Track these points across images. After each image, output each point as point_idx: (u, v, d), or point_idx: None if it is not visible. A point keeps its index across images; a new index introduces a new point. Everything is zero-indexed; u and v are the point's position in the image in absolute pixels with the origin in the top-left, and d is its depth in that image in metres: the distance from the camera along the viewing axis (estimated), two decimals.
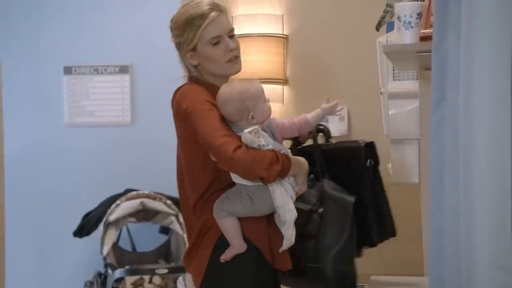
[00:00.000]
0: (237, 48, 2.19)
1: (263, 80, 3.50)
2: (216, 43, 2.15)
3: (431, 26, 2.02)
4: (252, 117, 2.08)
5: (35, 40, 4.51)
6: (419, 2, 2.10)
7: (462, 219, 1.53)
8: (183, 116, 2.10)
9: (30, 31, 4.42)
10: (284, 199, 2.09)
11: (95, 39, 4.82)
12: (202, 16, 2.14)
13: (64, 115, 4.53)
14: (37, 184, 4.30)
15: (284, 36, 3.55)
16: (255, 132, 2.05)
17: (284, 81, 3.55)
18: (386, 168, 2.90)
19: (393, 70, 2.74)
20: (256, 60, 3.48)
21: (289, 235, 2.11)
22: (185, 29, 2.16)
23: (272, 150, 2.05)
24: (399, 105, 2.74)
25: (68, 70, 4.51)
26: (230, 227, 2.12)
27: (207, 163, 2.12)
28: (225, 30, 2.16)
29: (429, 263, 1.64)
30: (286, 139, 2.23)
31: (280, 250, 2.12)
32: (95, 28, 4.67)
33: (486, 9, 1.48)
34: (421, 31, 2.05)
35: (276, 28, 3.54)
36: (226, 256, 2.11)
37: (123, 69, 4.60)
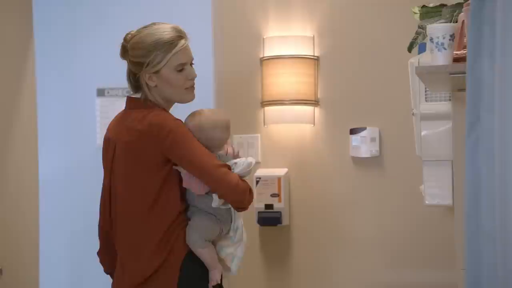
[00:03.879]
0: (195, 78, 2.28)
1: (294, 101, 3.50)
2: (180, 70, 2.22)
3: (464, 47, 2.01)
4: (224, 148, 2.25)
5: (69, 63, 4.58)
6: (452, 24, 2.09)
7: (498, 243, 1.51)
8: (163, 144, 2.14)
9: (64, 53, 4.50)
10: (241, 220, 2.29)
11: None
12: (172, 42, 2.21)
13: (97, 137, 4.58)
14: (70, 205, 4.34)
15: (315, 57, 3.55)
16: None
17: (315, 103, 3.55)
18: (419, 190, 2.87)
19: (425, 91, 2.73)
20: (287, 82, 3.49)
21: (241, 255, 2.30)
22: (152, 51, 2.21)
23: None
24: (431, 126, 2.72)
25: (101, 92, 4.57)
26: (211, 253, 2.24)
27: (181, 191, 2.20)
28: (190, 58, 2.26)
29: None
30: None
31: (233, 268, 2.31)
32: None
33: None
34: (454, 52, 2.03)
35: (307, 50, 3.55)
36: (216, 279, 2.23)
37: None
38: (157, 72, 2.22)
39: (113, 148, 2.29)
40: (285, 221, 3.51)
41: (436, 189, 2.69)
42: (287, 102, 3.51)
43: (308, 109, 3.56)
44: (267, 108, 3.58)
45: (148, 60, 2.21)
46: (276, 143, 3.60)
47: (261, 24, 3.61)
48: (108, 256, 2.52)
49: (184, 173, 2.20)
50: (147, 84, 2.23)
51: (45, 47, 4.01)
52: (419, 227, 3.39)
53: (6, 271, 2.87)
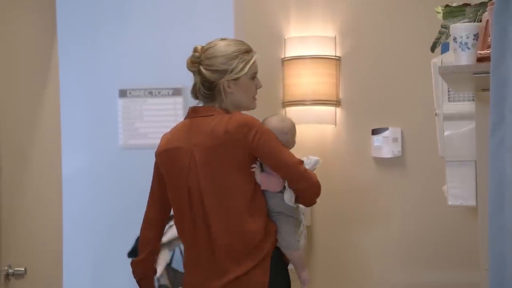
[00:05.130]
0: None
1: (316, 102, 3.50)
2: (253, 79, 2.44)
3: (488, 47, 1.99)
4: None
5: (92, 64, 4.61)
6: (476, 23, 2.07)
7: None
8: (252, 143, 2.33)
9: (86, 54, 4.53)
10: None
11: (149, 62, 4.89)
12: (249, 53, 2.44)
13: (119, 137, 4.61)
14: (93, 205, 4.37)
15: (336, 57, 3.55)
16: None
17: (337, 103, 3.54)
18: (442, 190, 2.85)
19: (448, 91, 2.71)
20: (308, 82, 3.49)
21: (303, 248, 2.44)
22: (235, 59, 2.40)
23: None
24: (454, 127, 2.70)
25: (123, 93, 4.59)
26: (303, 254, 2.40)
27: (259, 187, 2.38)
28: (257, 70, 2.48)
29: None
30: None
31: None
32: (149, 51, 4.75)
33: None
34: (478, 52, 2.02)
35: (328, 50, 3.54)
36: (309, 279, 2.43)
37: (177, 92, 4.65)
38: (237, 79, 2.40)
39: (189, 156, 2.41)
40: (306, 221, 3.51)
41: (459, 190, 2.67)
42: (308, 103, 3.50)
43: (329, 109, 3.55)
44: (288, 109, 3.57)
45: (232, 67, 2.39)
46: (297, 144, 3.59)
47: (282, 24, 3.61)
48: (148, 262, 2.64)
49: (261, 175, 2.39)
50: (225, 91, 2.39)
51: (68, 48, 4.05)
52: (442, 228, 3.37)
53: (30, 271, 2.90)
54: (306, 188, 2.41)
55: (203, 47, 2.45)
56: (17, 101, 3.03)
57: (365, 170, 3.51)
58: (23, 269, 2.82)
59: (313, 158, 2.47)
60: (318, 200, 3.65)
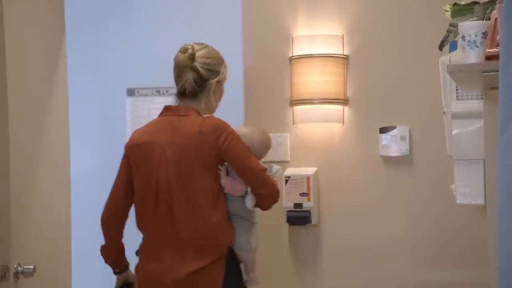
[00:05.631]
0: None
1: (323, 100, 3.50)
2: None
3: (497, 45, 1.99)
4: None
5: (100, 63, 4.62)
6: (484, 21, 2.06)
7: None
8: (222, 146, 2.50)
9: (95, 54, 4.54)
10: None
11: (157, 61, 4.90)
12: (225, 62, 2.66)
13: (127, 136, 4.60)
14: (101, 204, 4.36)
15: (344, 56, 3.54)
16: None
17: (345, 102, 3.54)
18: (450, 189, 2.85)
19: (456, 89, 2.70)
20: (316, 81, 3.49)
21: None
22: (223, 63, 2.63)
23: None
24: (462, 125, 2.70)
25: (131, 92, 4.60)
26: (254, 257, 2.58)
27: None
28: None
29: None
30: None
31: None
32: (157, 50, 4.75)
33: None
34: (487, 50, 2.01)
35: (336, 49, 3.54)
36: (257, 281, 2.61)
37: None
38: (220, 82, 2.63)
39: (161, 151, 2.59)
40: (314, 220, 3.51)
41: (468, 188, 2.67)
42: (316, 101, 3.50)
43: (337, 108, 3.55)
44: (296, 107, 3.57)
45: (221, 70, 2.62)
46: (305, 142, 3.60)
47: (290, 23, 3.61)
48: (115, 250, 2.86)
49: (226, 178, 2.55)
50: (214, 90, 2.61)
51: (76, 48, 4.06)
52: (450, 227, 3.36)
53: (39, 269, 2.91)
54: (268, 194, 2.58)
55: (193, 46, 2.65)
56: (25, 101, 3.04)
57: (372, 168, 3.50)
58: (32, 267, 2.84)
59: (275, 166, 2.63)
60: (325, 198, 3.66)
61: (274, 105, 3.63)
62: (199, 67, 2.60)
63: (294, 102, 3.56)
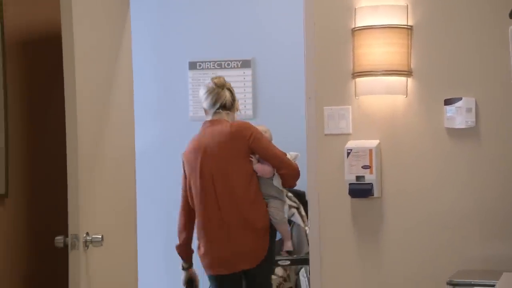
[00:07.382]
0: None
1: (386, 72, 3.45)
2: None
3: None
4: None
5: (162, 37, 4.66)
6: None
7: None
8: (249, 139, 3.73)
9: (157, 29, 4.59)
10: None
11: (218, 35, 4.92)
12: None
13: (189, 109, 4.67)
14: (165, 175, 4.45)
15: (408, 27, 3.48)
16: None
17: (408, 73, 3.48)
18: None
19: None
20: (379, 52, 3.43)
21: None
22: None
23: None
24: None
25: (192, 65, 4.64)
26: (288, 228, 3.81)
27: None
28: None
29: None
30: None
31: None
32: (218, 23, 4.77)
33: None
34: None
35: (400, 19, 3.47)
36: (290, 247, 3.90)
37: (246, 64, 4.68)
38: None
39: (203, 151, 3.78)
40: (376, 193, 3.49)
41: None
42: (379, 73, 3.45)
43: (400, 79, 3.49)
44: (358, 80, 3.53)
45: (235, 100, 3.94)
46: (367, 115, 3.56)
47: None
48: (190, 249, 4.00)
49: (257, 165, 3.73)
50: (237, 108, 3.89)
51: (139, 23, 4.12)
52: None
53: (107, 239, 3.00)
54: (289, 173, 3.77)
55: (218, 76, 3.87)
56: (92, 76, 3.11)
57: (437, 140, 3.45)
58: (100, 236, 2.93)
59: (293, 153, 3.85)
60: (388, 171, 3.62)
61: (336, 77, 3.60)
62: (232, 91, 3.85)
63: (356, 74, 3.52)
